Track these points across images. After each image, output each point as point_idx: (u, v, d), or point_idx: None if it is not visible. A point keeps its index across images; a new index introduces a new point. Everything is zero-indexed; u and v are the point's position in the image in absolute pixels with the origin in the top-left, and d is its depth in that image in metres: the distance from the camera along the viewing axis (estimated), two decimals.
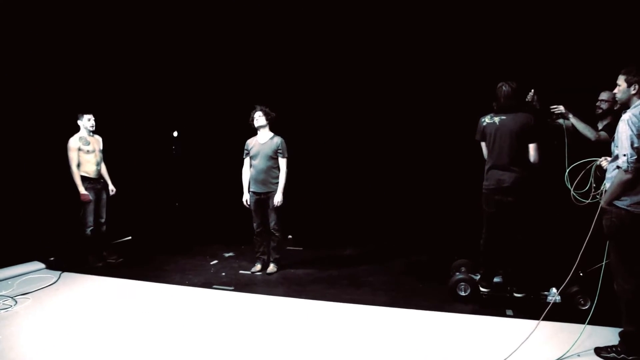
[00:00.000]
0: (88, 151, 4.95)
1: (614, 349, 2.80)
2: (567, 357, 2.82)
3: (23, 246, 4.97)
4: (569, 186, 3.28)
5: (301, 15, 5.87)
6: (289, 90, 6.22)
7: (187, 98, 6.89)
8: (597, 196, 3.10)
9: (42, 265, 4.92)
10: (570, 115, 3.56)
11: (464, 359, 2.88)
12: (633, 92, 2.75)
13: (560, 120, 3.62)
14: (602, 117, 3.74)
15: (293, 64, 6.24)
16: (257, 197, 4.60)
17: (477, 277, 3.93)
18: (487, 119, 3.78)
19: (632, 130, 2.62)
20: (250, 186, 4.64)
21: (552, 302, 3.21)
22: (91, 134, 5.05)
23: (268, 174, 4.54)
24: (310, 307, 3.78)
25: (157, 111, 6.83)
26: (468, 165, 4.56)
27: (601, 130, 3.62)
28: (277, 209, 4.58)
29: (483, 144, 3.85)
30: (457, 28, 5.37)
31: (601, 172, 3.09)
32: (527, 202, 3.66)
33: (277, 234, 4.66)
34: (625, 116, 2.70)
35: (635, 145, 2.61)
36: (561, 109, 3.59)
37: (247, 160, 4.71)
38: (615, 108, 3.55)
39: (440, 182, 5.81)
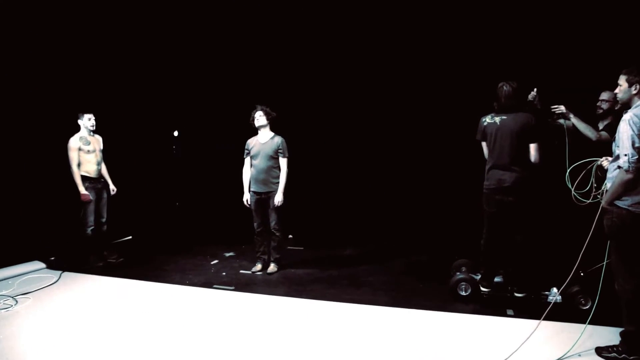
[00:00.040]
0: (88, 151, 4.95)
1: (615, 348, 2.80)
2: (568, 357, 2.82)
3: (24, 246, 4.97)
4: (570, 186, 3.27)
5: (301, 15, 5.87)
6: (290, 90, 6.22)
7: (187, 98, 6.88)
8: (598, 196, 3.10)
9: (43, 265, 4.92)
10: (571, 115, 3.56)
11: (464, 358, 2.88)
12: (634, 92, 2.75)
13: (561, 120, 3.62)
14: (602, 117, 3.73)
15: (294, 64, 6.24)
16: (258, 196, 4.60)
17: (478, 277, 3.94)
18: (487, 119, 3.78)
19: (633, 130, 2.62)
20: (251, 186, 4.64)
21: (553, 302, 3.21)
22: (91, 133, 5.05)
23: (269, 174, 4.54)
24: (311, 307, 3.78)
25: (158, 111, 6.82)
26: (468, 165, 4.56)
27: (602, 130, 3.62)
28: (278, 208, 4.58)
29: (484, 144, 3.85)
30: (457, 28, 5.37)
31: (602, 172, 3.09)
32: (527, 202, 3.66)
33: (277, 234, 4.66)
34: (627, 116, 2.70)
35: (637, 145, 2.61)
36: (562, 108, 3.59)
37: (247, 160, 4.71)
38: (615, 108, 3.55)
39: (440, 182, 5.81)
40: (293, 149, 4.71)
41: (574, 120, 3.56)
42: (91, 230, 4.99)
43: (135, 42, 6.23)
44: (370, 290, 4.17)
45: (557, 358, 2.80)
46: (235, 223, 5.81)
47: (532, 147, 3.60)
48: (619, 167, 2.71)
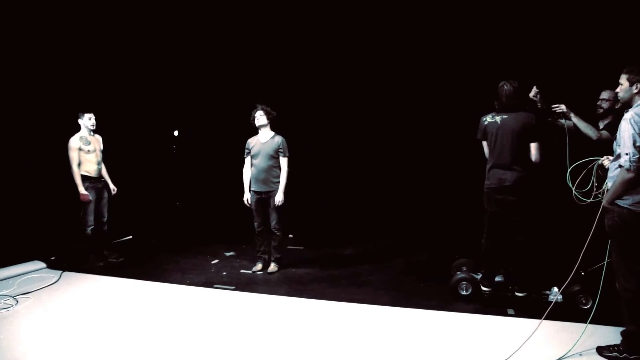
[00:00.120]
0: (89, 151, 4.95)
1: (616, 348, 2.80)
2: (569, 356, 2.82)
3: (24, 245, 4.97)
4: (571, 185, 3.27)
5: (302, 15, 5.87)
6: (290, 90, 6.23)
7: (188, 97, 6.88)
8: (599, 195, 3.09)
9: (43, 265, 4.91)
10: (572, 115, 3.55)
11: (465, 358, 2.88)
12: (635, 91, 2.75)
13: (562, 120, 3.62)
14: (603, 116, 3.72)
15: (294, 63, 6.24)
16: (258, 196, 4.60)
17: (479, 277, 3.93)
18: (488, 118, 3.77)
19: (634, 129, 2.62)
20: (251, 185, 4.64)
21: (553, 301, 3.21)
22: (92, 133, 5.05)
23: (269, 173, 4.53)
24: (311, 306, 3.78)
25: (158, 110, 6.82)
26: (469, 165, 4.56)
27: (602, 129, 3.61)
28: (278, 208, 4.57)
29: (484, 143, 3.85)
30: (458, 27, 5.37)
31: (603, 172, 3.09)
32: (528, 201, 3.65)
33: (278, 233, 4.66)
34: (628, 115, 2.69)
35: (638, 144, 2.60)
36: (563, 108, 3.58)
37: (248, 160, 4.71)
38: (616, 107, 3.55)
39: (441, 181, 5.81)
40: (293, 148, 4.71)
41: (574, 119, 3.55)
42: (91, 230, 4.98)
43: (135, 42, 6.22)
44: (370, 289, 4.16)
45: (558, 357, 2.79)
46: (236, 223, 5.82)
47: (533, 147, 3.60)
48: (620, 166, 2.71)
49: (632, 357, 2.73)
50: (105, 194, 5.17)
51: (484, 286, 3.87)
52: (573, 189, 3.24)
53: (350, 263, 5.04)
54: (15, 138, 5.04)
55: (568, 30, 4.77)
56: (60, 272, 4.71)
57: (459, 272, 3.98)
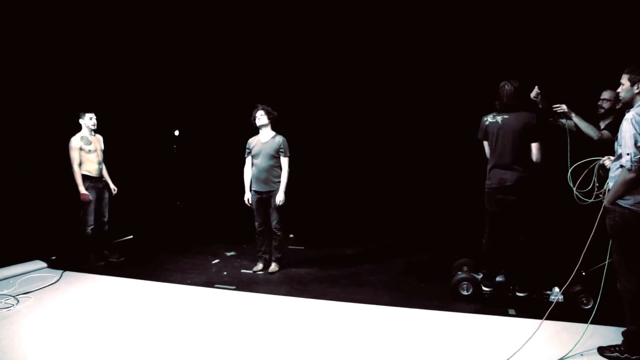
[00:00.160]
0: (90, 151, 4.95)
1: (617, 348, 2.80)
2: (570, 356, 2.82)
3: (25, 245, 4.97)
4: (572, 185, 3.27)
5: (302, 15, 5.87)
6: (291, 90, 6.23)
7: (188, 97, 6.88)
8: (600, 195, 3.09)
9: (44, 264, 4.91)
10: (573, 115, 3.55)
11: (466, 358, 2.87)
12: (636, 91, 2.75)
13: (563, 120, 3.61)
14: (604, 116, 3.72)
15: (295, 63, 6.24)
16: (259, 196, 4.60)
17: (480, 277, 3.93)
18: (489, 118, 3.77)
19: (635, 129, 2.61)
20: (252, 185, 4.64)
21: (554, 301, 3.21)
22: (92, 133, 5.05)
23: (270, 173, 4.53)
24: (312, 306, 3.78)
25: (159, 110, 6.82)
26: (470, 165, 4.56)
27: (603, 129, 3.61)
28: (279, 208, 4.57)
29: (485, 143, 3.85)
30: (459, 27, 5.37)
31: (604, 172, 3.09)
32: (529, 201, 3.65)
33: (278, 233, 4.66)
34: (629, 115, 2.69)
35: (639, 144, 2.60)
36: (564, 107, 3.57)
37: (248, 159, 4.71)
38: (617, 107, 3.55)
39: (442, 181, 5.81)
40: (294, 148, 4.71)
41: (575, 119, 3.55)
42: (91, 229, 4.98)
43: (136, 42, 6.23)
44: (371, 289, 4.16)
45: (559, 358, 2.79)
46: (237, 222, 5.82)
47: (534, 147, 3.60)
48: (621, 166, 2.70)
49: (634, 357, 2.73)
50: (106, 194, 5.17)
51: (484, 286, 3.87)
52: (574, 189, 3.24)
53: (350, 263, 5.04)
54: (16, 138, 5.04)
55: (569, 31, 4.77)
56: (61, 271, 4.71)
57: (459, 272, 3.98)
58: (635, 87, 2.74)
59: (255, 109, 4.62)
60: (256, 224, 4.71)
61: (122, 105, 6.16)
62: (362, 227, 6.34)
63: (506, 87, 3.64)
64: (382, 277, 4.51)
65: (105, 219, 5.15)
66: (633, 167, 2.61)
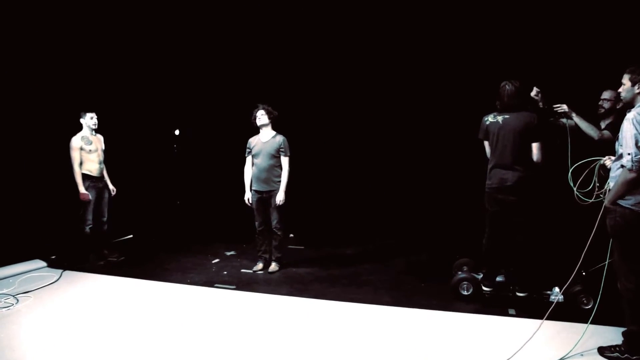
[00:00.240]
0: (90, 150, 4.95)
1: (617, 348, 2.80)
2: (570, 356, 2.82)
3: (24, 244, 4.96)
4: (572, 185, 3.26)
5: (303, 15, 5.87)
6: (292, 90, 6.22)
7: (189, 97, 6.88)
8: (601, 195, 3.09)
9: (44, 264, 4.91)
10: (574, 114, 3.55)
11: (466, 358, 2.87)
12: (637, 90, 2.74)
13: (564, 120, 3.61)
14: (604, 116, 3.73)
15: (295, 63, 6.24)
16: (259, 195, 4.60)
17: (480, 276, 3.93)
18: (490, 118, 3.77)
19: (636, 129, 2.61)
20: (253, 185, 4.64)
21: (555, 301, 3.21)
22: (93, 132, 5.05)
23: (270, 173, 4.53)
24: (312, 306, 3.77)
25: (159, 110, 6.82)
26: (470, 164, 4.56)
27: (604, 129, 3.61)
28: (279, 207, 4.57)
29: (486, 143, 3.84)
30: (460, 27, 5.36)
31: (605, 172, 3.08)
32: (530, 201, 3.65)
33: (279, 233, 4.65)
34: (630, 115, 2.69)
35: None
36: (564, 107, 3.57)
37: (249, 159, 4.70)
38: (617, 107, 3.55)
39: (442, 181, 5.81)
40: (295, 148, 4.70)
41: (576, 119, 3.55)
42: (90, 228, 4.98)
43: (137, 42, 6.22)
44: (371, 289, 4.16)
45: (559, 358, 2.79)
46: (237, 222, 5.81)
47: (535, 147, 3.59)
48: (622, 166, 2.70)
49: (634, 357, 2.73)
50: (106, 194, 5.17)
51: (485, 286, 3.87)
52: (575, 189, 3.24)
53: (350, 263, 5.03)
54: (16, 137, 5.04)
55: (569, 31, 4.76)
56: (61, 271, 4.71)
57: (459, 272, 3.98)
58: (636, 87, 2.74)
59: (256, 108, 4.62)
60: (256, 223, 4.71)
61: (122, 105, 6.16)
62: (362, 227, 6.33)
63: (507, 87, 3.63)
64: (382, 277, 4.51)
65: (105, 219, 5.14)
66: (634, 167, 2.61)
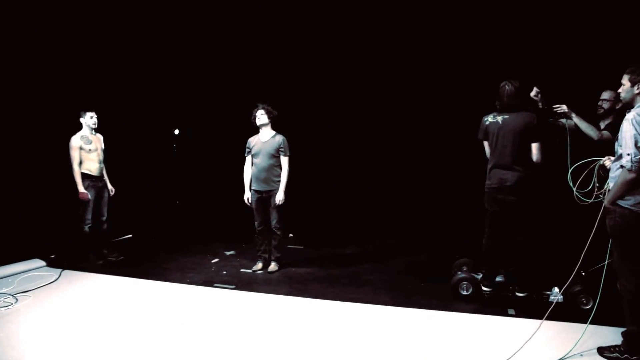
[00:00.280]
0: (90, 150, 4.94)
1: (616, 348, 2.80)
2: (570, 356, 2.82)
3: (24, 244, 4.96)
4: (572, 186, 3.27)
5: (303, 15, 5.87)
6: (291, 89, 6.22)
7: (189, 96, 6.88)
8: (600, 195, 3.09)
9: (43, 263, 4.91)
10: (573, 115, 3.55)
11: (466, 358, 2.87)
12: (637, 91, 2.74)
13: (563, 120, 3.61)
14: (603, 116, 3.73)
15: (295, 63, 6.24)
16: (259, 195, 4.59)
17: (479, 277, 3.93)
18: (489, 118, 3.77)
19: (636, 130, 2.61)
20: (252, 184, 4.64)
21: (554, 301, 3.21)
22: (93, 132, 5.04)
23: (270, 173, 4.53)
24: (312, 306, 3.77)
25: (159, 109, 6.82)
26: (470, 165, 4.56)
27: (603, 129, 3.61)
28: (279, 207, 4.57)
29: (485, 143, 3.85)
30: (459, 27, 5.36)
31: (604, 172, 3.09)
32: (529, 201, 3.65)
33: (278, 233, 4.65)
34: (630, 115, 2.69)
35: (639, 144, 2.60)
36: (564, 108, 3.57)
37: (248, 159, 4.70)
38: (617, 107, 3.55)
39: (442, 181, 5.81)
40: (294, 147, 4.70)
41: (575, 119, 3.55)
42: (88, 227, 4.97)
43: (137, 41, 6.22)
44: (371, 289, 4.16)
45: (558, 358, 2.79)
46: (236, 222, 5.81)
47: (534, 147, 3.60)
48: (621, 166, 2.70)
49: (633, 357, 2.73)
50: (106, 193, 5.17)
51: (484, 286, 3.87)
52: (574, 189, 3.24)
53: (350, 262, 5.03)
54: (16, 137, 5.03)
55: (569, 31, 4.77)
56: (60, 270, 4.71)
57: (459, 272, 3.98)
58: (635, 87, 2.74)
59: (256, 108, 4.62)
60: (256, 223, 4.70)
61: (122, 105, 6.16)
62: (362, 227, 6.33)
63: (506, 87, 3.64)
64: (382, 277, 4.51)
65: (104, 218, 5.14)
66: (633, 168, 2.61)
